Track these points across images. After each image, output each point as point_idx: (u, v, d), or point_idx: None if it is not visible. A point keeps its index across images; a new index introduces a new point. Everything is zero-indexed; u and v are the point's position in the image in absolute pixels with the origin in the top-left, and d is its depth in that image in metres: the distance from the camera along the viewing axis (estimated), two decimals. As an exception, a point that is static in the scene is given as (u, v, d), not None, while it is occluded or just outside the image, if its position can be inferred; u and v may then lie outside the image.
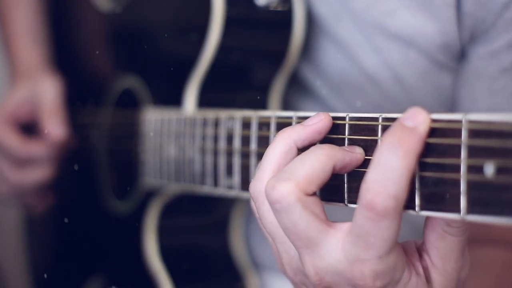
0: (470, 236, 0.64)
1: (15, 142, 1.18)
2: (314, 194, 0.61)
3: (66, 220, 1.28)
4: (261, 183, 0.64)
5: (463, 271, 0.64)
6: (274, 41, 0.95)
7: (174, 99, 0.98)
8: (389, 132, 0.57)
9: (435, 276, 0.63)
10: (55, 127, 1.17)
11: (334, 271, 0.61)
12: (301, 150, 0.64)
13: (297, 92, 1.01)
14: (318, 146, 0.63)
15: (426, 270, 0.63)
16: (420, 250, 0.64)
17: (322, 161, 0.61)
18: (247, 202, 1.07)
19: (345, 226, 0.61)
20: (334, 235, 0.61)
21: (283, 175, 0.61)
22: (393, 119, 0.61)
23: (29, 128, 1.22)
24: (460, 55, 0.90)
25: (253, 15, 0.94)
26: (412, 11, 0.88)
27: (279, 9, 0.94)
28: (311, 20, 0.95)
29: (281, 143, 0.65)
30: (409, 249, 0.64)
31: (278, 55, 0.95)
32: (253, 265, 1.08)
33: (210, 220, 1.07)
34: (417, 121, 0.57)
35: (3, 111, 1.21)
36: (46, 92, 1.20)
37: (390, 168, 0.56)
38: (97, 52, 1.22)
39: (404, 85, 0.92)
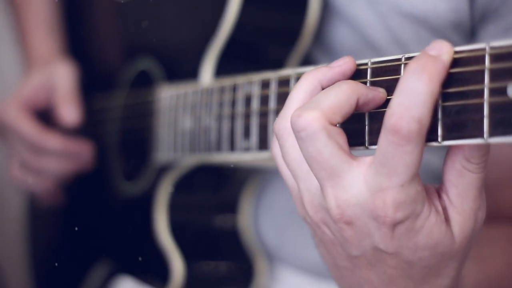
0: None
1: (32, 129, 1.18)
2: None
3: (74, 208, 1.29)
4: (285, 120, 0.66)
5: (480, 211, 0.65)
6: (289, 19, 0.98)
7: (188, 76, 1.00)
8: (413, 60, 0.59)
9: (454, 215, 0.64)
10: (69, 111, 1.18)
11: (356, 203, 0.62)
12: None
13: None
14: (343, 80, 0.65)
15: (444, 209, 0.64)
16: (439, 191, 0.65)
17: (346, 93, 0.63)
18: (256, 185, 1.08)
19: (367, 159, 0.62)
20: (357, 166, 0.62)
21: (308, 105, 0.62)
22: None
23: (45, 117, 1.22)
24: (470, 34, 0.92)
25: None
26: (425, -11, 0.90)
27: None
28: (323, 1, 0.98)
29: (307, 82, 0.66)
30: (429, 189, 0.65)
31: (293, 34, 0.97)
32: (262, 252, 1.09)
33: (220, 199, 1.08)
34: (441, 51, 0.60)
35: (19, 98, 1.21)
36: (61, 78, 1.21)
37: (414, 92, 0.58)
38: (111, 36, 1.23)
39: None
